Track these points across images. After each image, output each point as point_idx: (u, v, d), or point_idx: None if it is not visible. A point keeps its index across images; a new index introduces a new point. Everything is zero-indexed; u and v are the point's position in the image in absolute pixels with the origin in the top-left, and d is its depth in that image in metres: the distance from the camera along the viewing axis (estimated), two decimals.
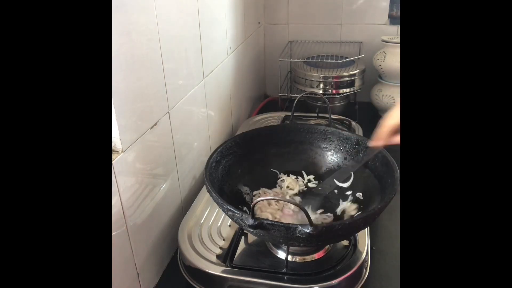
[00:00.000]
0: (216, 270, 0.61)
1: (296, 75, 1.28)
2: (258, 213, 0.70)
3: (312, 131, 0.80)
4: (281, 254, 0.64)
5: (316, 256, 0.64)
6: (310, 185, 0.78)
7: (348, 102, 1.30)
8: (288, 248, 0.63)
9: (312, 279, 0.59)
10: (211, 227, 0.71)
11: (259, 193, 0.76)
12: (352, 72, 1.21)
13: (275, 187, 0.78)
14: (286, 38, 1.40)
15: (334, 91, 1.23)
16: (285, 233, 0.52)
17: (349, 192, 0.74)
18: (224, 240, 0.68)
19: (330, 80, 1.21)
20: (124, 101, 0.55)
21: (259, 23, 1.34)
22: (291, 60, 1.33)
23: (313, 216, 0.68)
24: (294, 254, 0.64)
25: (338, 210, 0.71)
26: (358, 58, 1.25)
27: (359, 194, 0.71)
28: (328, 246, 0.66)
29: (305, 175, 0.79)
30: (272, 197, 0.74)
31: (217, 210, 0.74)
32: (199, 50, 0.81)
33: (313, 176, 0.79)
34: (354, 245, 0.65)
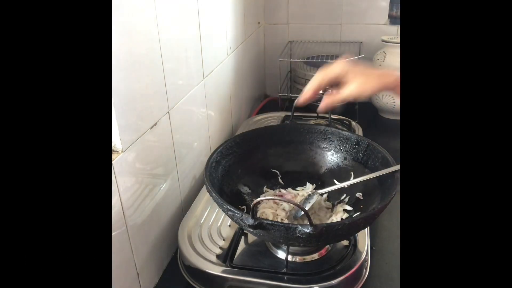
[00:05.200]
0: (216, 270, 0.61)
1: (296, 75, 1.28)
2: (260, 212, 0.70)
3: (312, 131, 0.80)
4: (281, 254, 0.64)
5: (316, 256, 0.64)
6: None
7: (348, 102, 1.30)
8: (288, 248, 0.63)
9: (312, 279, 0.59)
10: (211, 227, 0.71)
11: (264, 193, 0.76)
12: None
13: (276, 187, 0.78)
14: (286, 38, 1.40)
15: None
16: (285, 233, 0.52)
17: (343, 197, 0.74)
18: (224, 240, 0.68)
19: None
20: (124, 101, 0.55)
21: (259, 23, 1.34)
22: (291, 60, 1.33)
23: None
24: (294, 254, 0.64)
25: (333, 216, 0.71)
26: (358, 58, 1.25)
27: (359, 194, 0.71)
28: (328, 246, 0.66)
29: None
30: (272, 197, 0.74)
31: (217, 210, 0.74)
32: (199, 50, 0.81)
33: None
34: (354, 245, 0.65)
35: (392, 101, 1.21)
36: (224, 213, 0.69)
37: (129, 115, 0.56)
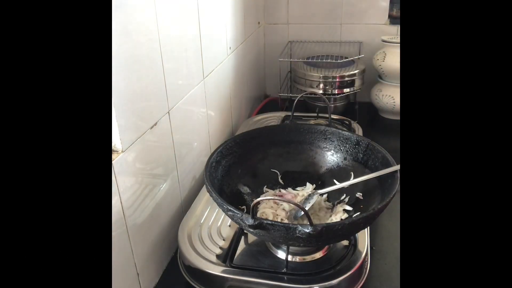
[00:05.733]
0: (216, 270, 0.61)
1: (296, 75, 1.28)
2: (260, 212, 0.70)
3: (312, 131, 0.80)
4: (281, 254, 0.64)
5: (316, 256, 0.64)
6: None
7: (348, 102, 1.30)
8: (288, 248, 0.63)
9: (312, 279, 0.59)
10: (211, 227, 0.71)
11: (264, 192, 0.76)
12: (352, 72, 1.21)
13: (276, 187, 0.78)
14: (286, 38, 1.40)
15: (334, 91, 1.23)
16: (285, 233, 0.52)
17: (343, 197, 0.74)
18: (224, 240, 0.68)
19: (330, 80, 1.21)
20: (124, 101, 0.55)
21: (259, 23, 1.34)
22: (291, 60, 1.33)
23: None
24: (294, 254, 0.64)
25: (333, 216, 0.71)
26: (358, 58, 1.25)
27: (359, 194, 0.71)
28: (328, 246, 0.66)
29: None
30: (272, 197, 0.74)
31: (217, 210, 0.74)
32: (199, 50, 0.81)
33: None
34: (354, 245, 0.65)
35: (392, 101, 1.21)
36: (224, 213, 0.69)
37: (129, 115, 0.56)
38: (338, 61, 1.20)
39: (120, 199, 0.55)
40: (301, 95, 0.92)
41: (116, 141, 0.54)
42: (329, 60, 1.21)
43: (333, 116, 1.09)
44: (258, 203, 0.72)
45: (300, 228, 0.50)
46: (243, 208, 0.71)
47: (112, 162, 0.53)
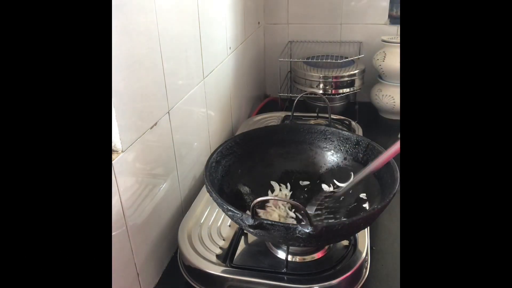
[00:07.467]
0: (216, 270, 0.61)
1: (296, 75, 1.28)
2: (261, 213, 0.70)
3: (312, 131, 0.80)
4: (281, 254, 0.64)
5: (316, 256, 0.64)
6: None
7: (348, 102, 1.30)
8: (288, 248, 0.63)
9: (312, 279, 0.59)
10: (211, 227, 0.71)
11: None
12: (352, 72, 1.21)
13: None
14: (286, 38, 1.40)
15: (334, 91, 1.23)
16: (285, 233, 0.52)
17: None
18: (224, 240, 0.68)
19: (330, 80, 1.21)
20: (124, 101, 0.55)
21: (259, 23, 1.34)
22: (291, 60, 1.33)
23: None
24: (294, 254, 0.64)
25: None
26: (358, 58, 1.25)
27: (362, 195, 0.71)
28: (328, 246, 0.66)
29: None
30: (272, 197, 0.74)
31: (217, 210, 0.74)
32: (199, 50, 0.81)
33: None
34: (354, 245, 0.65)
35: (392, 101, 1.21)
36: (224, 213, 0.69)
37: (129, 115, 0.56)
38: (338, 61, 1.20)
39: (120, 199, 0.55)
40: (301, 95, 0.92)
41: (116, 141, 0.54)
42: (329, 60, 1.21)
43: (333, 116, 1.09)
44: (258, 203, 0.72)
45: (300, 228, 0.50)
46: (244, 206, 0.71)
47: (112, 162, 0.53)
